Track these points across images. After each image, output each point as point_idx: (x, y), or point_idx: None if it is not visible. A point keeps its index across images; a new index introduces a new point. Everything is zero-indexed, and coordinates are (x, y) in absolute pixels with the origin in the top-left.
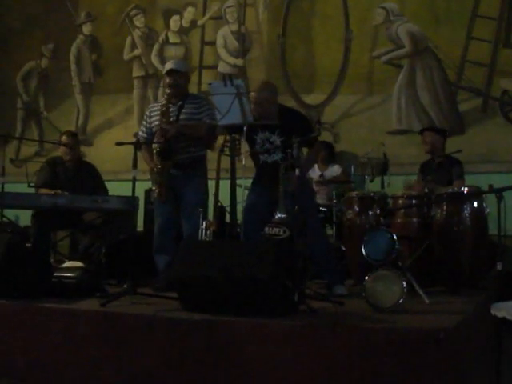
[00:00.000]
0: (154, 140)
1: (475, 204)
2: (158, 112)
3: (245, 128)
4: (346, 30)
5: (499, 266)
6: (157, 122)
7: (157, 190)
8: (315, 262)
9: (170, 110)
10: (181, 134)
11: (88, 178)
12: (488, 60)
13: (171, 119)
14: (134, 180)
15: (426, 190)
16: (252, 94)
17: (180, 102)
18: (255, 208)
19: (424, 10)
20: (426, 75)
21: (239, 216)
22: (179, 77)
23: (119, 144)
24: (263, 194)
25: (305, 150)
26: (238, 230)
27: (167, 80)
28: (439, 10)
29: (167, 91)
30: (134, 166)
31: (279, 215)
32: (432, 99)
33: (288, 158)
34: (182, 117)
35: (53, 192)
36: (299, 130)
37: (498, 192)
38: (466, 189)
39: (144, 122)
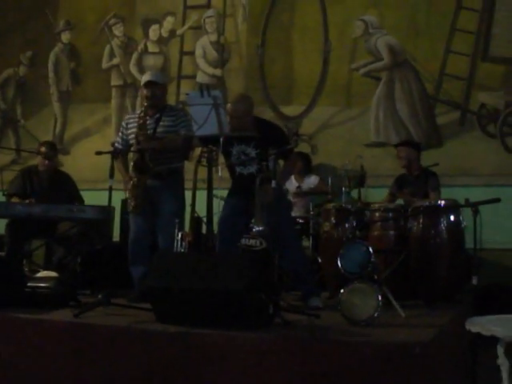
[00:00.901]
0: (131, 150)
1: (452, 217)
2: (135, 124)
3: (221, 140)
4: (325, 41)
5: (475, 281)
6: (133, 135)
7: (132, 203)
8: (291, 273)
9: (147, 122)
10: (158, 148)
11: (63, 188)
12: (466, 73)
13: (148, 132)
14: (110, 189)
15: (403, 203)
16: (228, 106)
17: (157, 115)
18: (230, 220)
19: (403, 23)
20: (405, 88)
21: (215, 227)
22: (157, 88)
23: (98, 153)
24: (239, 206)
25: (281, 162)
26: (215, 241)
27: (144, 92)
28: (418, 24)
29: (145, 103)
30: (111, 175)
31: (256, 228)
32: (410, 112)
33: (264, 170)
34: (159, 130)
35: (26, 201)
36: (275, 142)
37: (474, 206)
38: (443, 202)
39: (120, 134)
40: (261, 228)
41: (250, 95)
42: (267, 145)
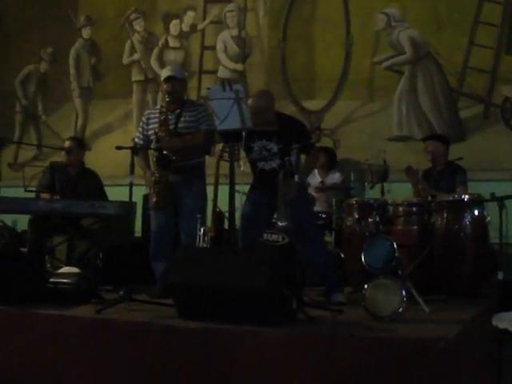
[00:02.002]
0: (152, 146)
1: (476, 212)
2: (156, 119)
3: (244, 134)
4: (346, 35)
5: (500, 276)
6: (155, 130)
7: (154, 199)
8: (314, 269)
9: (168, 118)
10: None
11: (89, 185)
12: (490, 67)
13: (170, 127)
14: (131, 185)
15: (430, 198)
16: (249, 102)
17: (178, 110)
18: (252, 216)
19: (426, 16)
20: (427, 81)
21: (238, 222)
22: (177, 83)
23: (119, 148)
24: (261, 201)
25: (303, 157)
26: (237, 236)
27: (165, 87)
28: (441, 16)
29: (166, 99)
30: (132, 171)
31: (280, 223)
32: (433, 106)
33: (286, 165)
34: (180, 125)
35: (49, 197)
36: (297, 136)
37: (500, 200)
38: (467, 196)
39: (140, 129)
40: (284, 223)
41: (272, 90)
42: (289, 140)
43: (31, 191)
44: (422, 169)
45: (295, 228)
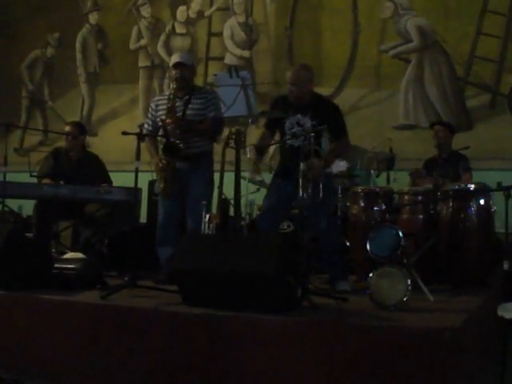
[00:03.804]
0: (159, 135)
1: (482, 201)
2: (164, 106)
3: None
4: (354, 22)
5: (506, 266)
6: (163, 117)
7: (161, 185)
8: (323, 255)
9: (176, 104)
10: (187, 130)
11: (92, 169)
12: (497, 56)
13: (178, 114)
14: (136, 171)
15: (432, 186)
16: (288, 74)
17: (186, 97)
18: (273, 209)
19: (433, 5)
20: (434, 70)
21: (243, 209)
22: (186, 70)
23: (125, 134)
24: (284, 192)
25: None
26: (242, 223)
27: (173, 73)
28: (449, 5)
29: (173, 85)
30: (137, 157)
31: (299, 196)
32: (440, 94)
33: (311, 143)
34: (188, 112)
35: (54, 182)
36: (332, 120)
37: (507, 190)
38: (473, 186)
39: (149, 115)
40: (304, 197)
41: (278, 77)
42: (323, 119)
43: (36, 176)
44: (427, 157)
45: (310, 213)
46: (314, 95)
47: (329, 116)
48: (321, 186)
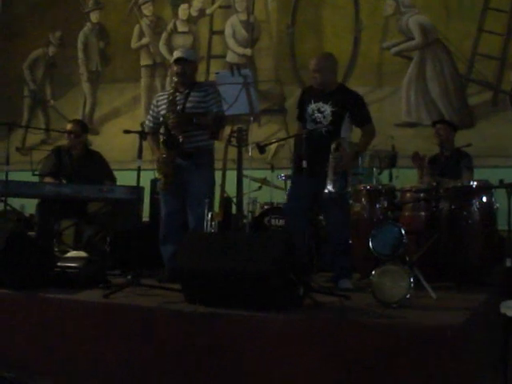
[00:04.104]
0: (161, 129)
1: (484, 198)
2: (165, 101)
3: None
4: (356, 20)
5: (508, 263)
6: (164, 112)
7: (162, 180)
8: (330, 250)
9: (177, 98)
10: (187, 123)
11: (94, 167)
12: (499, 53)
13: (178, 107)
14: (138, 170)
15: (435, 184)
16: (311, 61)
17: (187, 91)
18: (296, 208)
19: (435, 2)
20: (436, 68)
21: (245, 207)
22: (187, 65)
23: (127, 132)
24: (306, 187)
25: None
26: (245, 221)
27: (175, 68)
28: (450, 2)
29: (174, 79)
30: (139, 155)
31: (327, 189)
32: (442, 92)
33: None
34: (188, 105)
35: (57, 181)
36: (354, 108)
37: (509, 187)
38: (475, 183)
39: (151, 112)
40: (332, 190)
41: (280, 75)
42: (344, 106)
43: (38, 175)
44: (430, 155)
45: (324, 207)
46: (338, 85)
47: (350, 104)
48: (349, 178)
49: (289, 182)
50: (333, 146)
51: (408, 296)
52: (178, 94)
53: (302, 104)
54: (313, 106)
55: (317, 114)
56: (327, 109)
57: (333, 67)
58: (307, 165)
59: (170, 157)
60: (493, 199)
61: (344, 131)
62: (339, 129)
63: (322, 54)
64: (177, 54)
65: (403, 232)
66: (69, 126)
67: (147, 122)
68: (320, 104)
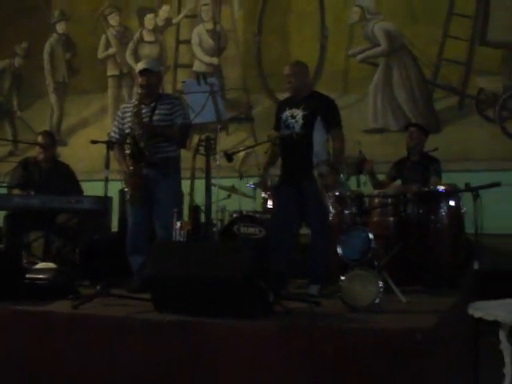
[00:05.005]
0: (127, 141)
1: (452, 202)
2: (131, 113)
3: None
4: (321, 27)
5: (476, 265)
6: (129, 123)
7: (129, 192)
8: (308, 258)
9: (143, 110)
10: (154, 136)
11: (62, 179)
12: (464, 58)
13: (144, 120)
14: (106, 180)
15: (402, 189)
16: (286, 68)
17: (153, 103)
18: (283, 220)
19: (400, 8)
20: (402, 73)
21: (214, 215)
22: (152, 76)
23: (94, 142)
24: (290, 199)
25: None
26: (214, 229)
27: (139, 80)
28: (415, 8)
29: (139, 91)
30: (107, 165)
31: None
32: (408, 97)
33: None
34: (155, 118)
35: (25, 193)
36: (325, 111)
37: (475, 190)
38: (443, 187)
39: (116, 123)
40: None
41: (247, 83)
42: (317, 110)
43: (6, 187)
44: (395, 160)
45: (305, 216)
46: (310, 90)
47: (322, 107)
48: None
49: (257, 191)
50: (315, 174)
51: (377, 300)
52: (143, 106)
53: (279, 113)
54: (287, 113)
55: (290, 120)
56: (299, 113)
57: (305, 73)
58: (286, 175)
59: (138, 169)
60: (460, 203)
61: (321, 136)
62: (311, 133)
63: (295, 60)
64: (141, 65)
65: (371, 237)
66: (40, 138)
67: (113, 134)
68: (293, 110)
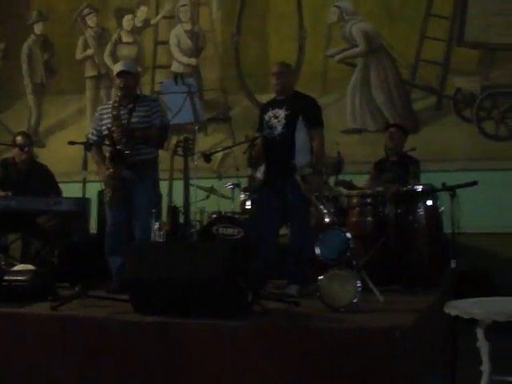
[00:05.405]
0: (105, 143)
1: (429, 202)
2: (109, 115)
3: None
4: (300, 28)
5: (453, 264)
6: (108, 125)
7: (109, 194)
8: (289, 258)
9: (121, 112)
10: (132, 138)
11: (41, 180)
12: (442, 59)
13: (123, 122)
14: (84, 181)
15: (381, 189)
16: (273, 67)
17: (131, 105)
18: (265, 222)
19: (378, 9)
20: (380, 74)
21: (193, 216)
22: (130, 78)
23: (71, 143)
24: (271, 201)
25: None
26: (192, 230)
27: (117, 82)
28: (393, 9)
29: (118, 93)
30: (85, 167)
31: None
32: (386, 98)
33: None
34: (133, 120)
35: (3, 194)
36: (307, 110)
37: (451, 190)
38: (420, 187)
39: (94, 125)
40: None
41: (226, 84)
42: (299, 109)
43: None
44: (375, 160)
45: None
46: (294, 91)
47: (304, 106)
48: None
49: (236, 191)
50: (298, 178)
51: (356, 300)
52: (121, 107)
53: (262, 115)
54: (270, 114)
55: (273, 121)
56: (281, 113)
57: (292, 73)
58: (268, 175)
59: (117, 171)
60: (438, 203)
61: (303, 136)
62: (293, 133)
63: (282, 61)
64: (118, 67)
65: (349, 236)
66: (20, 139)
67: (90, 135)
68: (276, 110)
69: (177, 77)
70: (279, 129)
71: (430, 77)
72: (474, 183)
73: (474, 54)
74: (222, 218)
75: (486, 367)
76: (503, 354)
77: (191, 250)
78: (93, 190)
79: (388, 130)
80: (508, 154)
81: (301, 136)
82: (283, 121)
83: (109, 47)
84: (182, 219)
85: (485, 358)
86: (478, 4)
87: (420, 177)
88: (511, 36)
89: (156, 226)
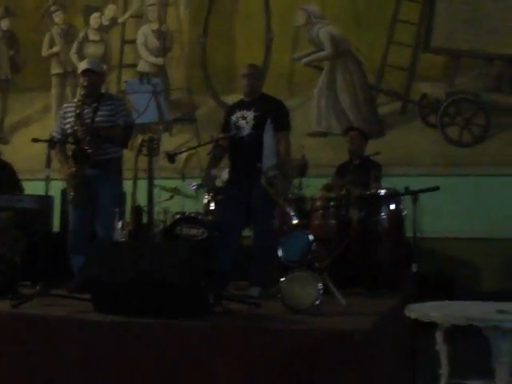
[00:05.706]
0: (69, 141)
1: (392, 206)
2: (73, 113)
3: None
4: (267, 30)
5: (414, 268)
6: (71, 124)
7: (71, 193)
8: (253, 259)
9: (85, 111)
10: (96, 137)
11: (3, 177)
12: (408, 64)
13: (86, 121)
14: (47, 179)
15: (344, 192)
16: (243, 69)
17: (95, 104)
18: (229, 223)
19: (345, 14)
20: (347, 78)
21: (156, 216)
22: (94, 76)
23: (35, 141)
24: (236, 199)
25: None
26: (156, 230)
27: (81, 80)
28: (360, 14)
29: (81, 92)
30: (48, 164)
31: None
32: (352, 102)
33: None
34: (97, 119)
35: None
36: (275, 112)
37: (414, 194)
38: (384, 191)
39: (58, 123)
40: None
41: (192, 84)
42: (268, 111)
43: None
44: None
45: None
46: (262, 93)
47: (272, 109)
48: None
49: (200, 192)
50: (264, 182)
51: (317, 302)
52: (85, 106)
53: (228, 116)
54: (237, 114)
55: (241, 122)
56: (250, 114)
57: (262, 75)
58: (234, 176)
59: (80, 170)
60: (401, 206)
61: (271, 138)
62: (261, 134)
63: (251, 63)
64: (83, 65)
65: (311, 239)
66: None
67: (54, 133)
68: (244, 111)
69: (142, 76)
70: (247, 130)
71: (395, 82)
72: (436, 188)
73: (440, 60)
74: (186, 219)
75: (444, 370)
76: (462, 357)
77: (153, 249)
78: (56, 188)
79: (349, 134)
80: (471, 159)
81: (268, 138)
82: (252, 122)
83: (75, 45)
84: (145, 219)
85: (444, 361)
86: (445, 11)
87: (381, 180)
88: (477, 43)
89: (119, 225)
